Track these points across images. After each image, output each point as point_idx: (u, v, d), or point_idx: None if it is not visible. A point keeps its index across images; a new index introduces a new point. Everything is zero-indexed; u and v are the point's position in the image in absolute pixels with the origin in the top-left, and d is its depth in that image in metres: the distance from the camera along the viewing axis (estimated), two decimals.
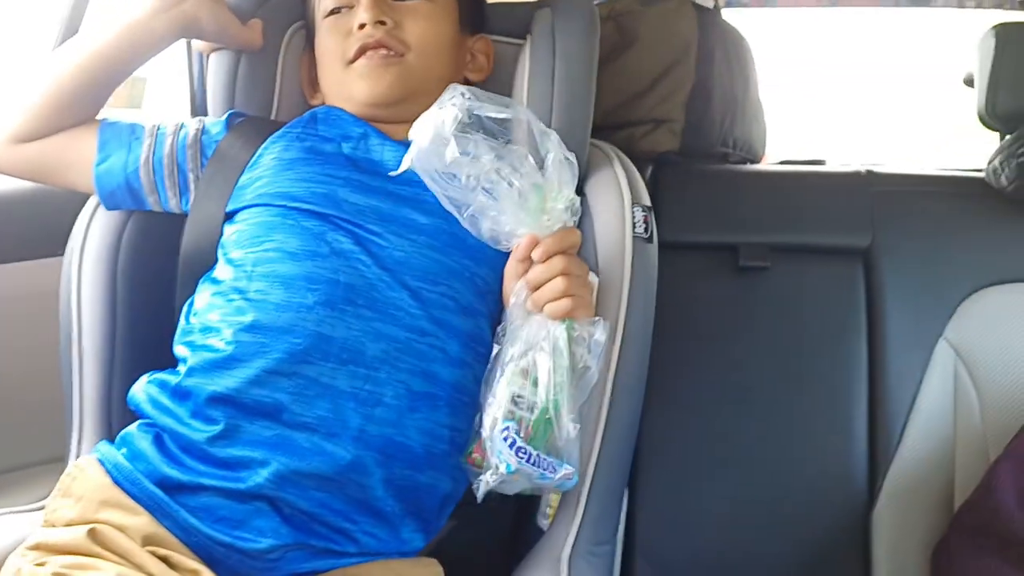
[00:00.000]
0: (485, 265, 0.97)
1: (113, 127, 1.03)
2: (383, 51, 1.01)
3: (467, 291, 0.95)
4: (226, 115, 1.06)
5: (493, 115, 0.83)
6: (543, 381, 0.83)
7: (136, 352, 1.04)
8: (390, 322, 0.91)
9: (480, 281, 0.97)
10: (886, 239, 1.35)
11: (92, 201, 1.05)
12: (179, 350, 0.95)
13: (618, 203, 1.01)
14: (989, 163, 1.36)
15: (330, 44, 1.05)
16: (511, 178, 0.82)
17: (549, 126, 1.00)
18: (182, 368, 0.93)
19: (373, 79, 1.01)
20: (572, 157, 0.87)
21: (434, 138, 0.80)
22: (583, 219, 1.03)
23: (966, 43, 1.45)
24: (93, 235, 1.04)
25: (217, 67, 1.09)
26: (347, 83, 1.03)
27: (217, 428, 0.88)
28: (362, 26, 1.01)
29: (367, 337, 0.90)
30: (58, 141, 1.01)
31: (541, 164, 0.86)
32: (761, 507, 1.31)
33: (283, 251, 0.93)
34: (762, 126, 1.67)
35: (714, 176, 1.49)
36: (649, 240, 1.00)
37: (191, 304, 0.97)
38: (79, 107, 1.02)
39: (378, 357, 0.89)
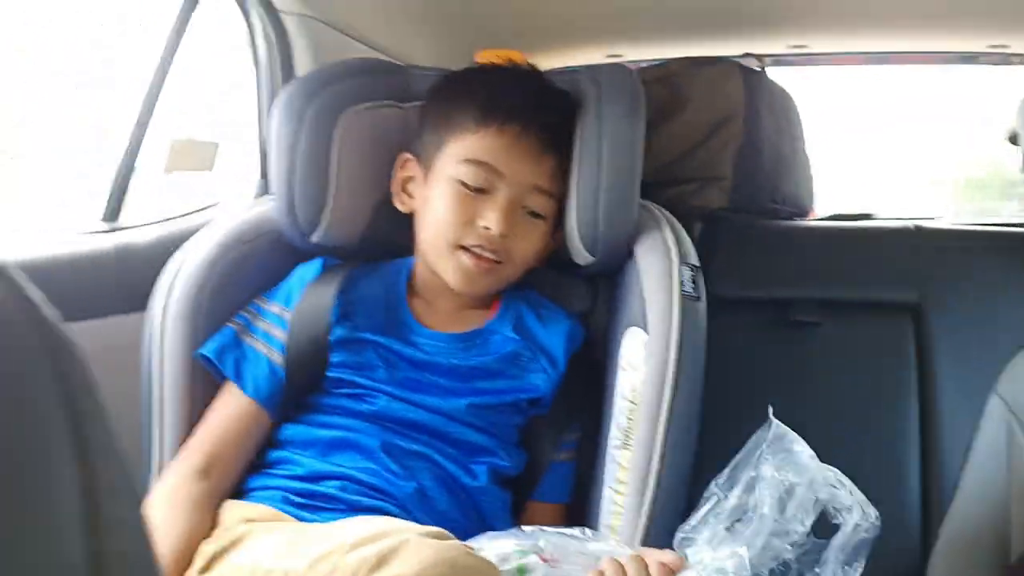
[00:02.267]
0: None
1: (229, 367, 1.03)
2: (489, 255, 1.04)
3: None
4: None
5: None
6: None
7: None
8: None
9: None
10: (935, 294, 1.36)
11: (176, 259, 1.08)
12: None
13: (666, 263, 1.03)
14: None
15: (445, 212, 1.04)
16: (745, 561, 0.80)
17: (596, 204, 1.04)
18: None
19: (470, 279, 1.04)
20: None
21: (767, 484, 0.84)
22: (633, 278, 1.05)
23: (1004, 97, 1.47)
24: (176, 292, 1.05)
25: (277, 152, 1.09)
26: (443, 261, 1.05)
27: None
28: (487, 228, 1.03)
29: None
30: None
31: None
32: None
33: None
34: (810, 180, 1.70)
35: (763, 232, 1.51)
36: (698, 298, 1.02)
37: None
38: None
39: None
